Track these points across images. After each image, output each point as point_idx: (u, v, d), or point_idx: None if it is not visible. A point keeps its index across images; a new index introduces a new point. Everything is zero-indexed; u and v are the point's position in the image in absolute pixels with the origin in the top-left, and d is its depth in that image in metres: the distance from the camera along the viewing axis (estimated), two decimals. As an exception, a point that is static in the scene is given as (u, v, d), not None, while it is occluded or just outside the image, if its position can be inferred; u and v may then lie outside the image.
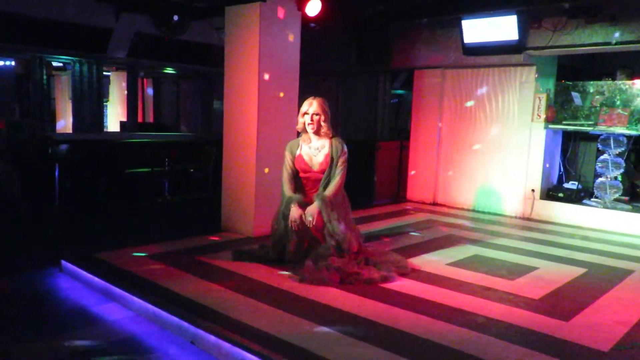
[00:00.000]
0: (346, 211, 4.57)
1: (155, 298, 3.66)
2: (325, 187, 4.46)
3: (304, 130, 4.58)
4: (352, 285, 4.06)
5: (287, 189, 4.56)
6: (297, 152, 4.60)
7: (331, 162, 4.48)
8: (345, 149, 4.52)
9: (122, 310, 3.74)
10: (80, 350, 3.12)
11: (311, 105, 4.51)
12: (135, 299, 3.72)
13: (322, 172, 4.50)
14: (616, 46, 6.40)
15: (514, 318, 3.54)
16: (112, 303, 3.86)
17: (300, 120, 4.58)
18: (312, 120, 4.48)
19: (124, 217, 7.06)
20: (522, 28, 6.78)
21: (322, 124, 4.49)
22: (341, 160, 4.48)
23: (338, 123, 9.62)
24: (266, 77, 5.47)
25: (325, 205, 4.32)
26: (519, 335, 3.26)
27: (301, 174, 4.60)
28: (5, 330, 3.41)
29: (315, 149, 4.55)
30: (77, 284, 4.27)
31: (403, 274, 4.37)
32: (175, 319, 3.38)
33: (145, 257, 4.68)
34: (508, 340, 3.17)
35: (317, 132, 4.52)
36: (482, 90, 7.70)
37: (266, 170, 5.54)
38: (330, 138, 4.55)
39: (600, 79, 7.19)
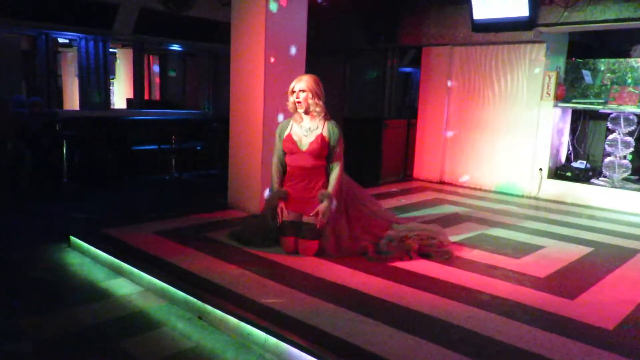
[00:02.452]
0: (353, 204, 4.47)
1: (163, 274, 3.70)
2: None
3: (295, 110, 4.27)
4: (358, 263, 4.07)
5: (275, 182, 4.37)
6: (287, 132, 4.30)
7: (328, 146, 4.20)
8: (341, 135, 4.27)
9: (131, 285, 3.79)
10: (90, 325, 3.17)
11: (299, 82, 4.17)
12: (143, 274, 3.76)
13: (312, 152, 4.17)
14: (629, 23, 6.27)
15: (519, 296, 3.55)
16: (121, 278, 3.91)
17: (290, 98, 4.24)
18: (298, 97, 4.17)
19: (131, 193, 7.10)
20: (533, 4, 6.67)
21: (310, 101, 4.15)
22: (339, 149, 4.22)
23: (345, 100, 9.57)
24: (272, 54, 5.42)
25: (331, 203, 4.14)
26: (523, 313, 3.27)
27: (287, 157, 4.31)
28: (14, 304, 3.47)
29: (306, 129, 4.24)
30: (85, 259, 4.32)
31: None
32: (182, 294, 3.42)
33: (153, 233, 4.71)
34: (513, 318, 3.19)
35: (307, 112, 4.22)
36: (491, 67, 7.61)
37: None
38: (325, 120, 4.24)
39: (612, 57, 7.07)
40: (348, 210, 4.42)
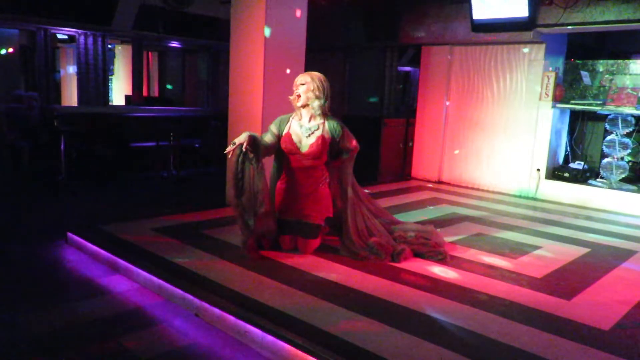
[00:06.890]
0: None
1: (160, 270, 3.70)
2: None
3: (295, 105, 4.17)
4: (356, 262, 4.08)
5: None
6: (285, 130, 4.15)
7: (331, 144, 4.12)
8: (345, 127, 4.18)
9: (128, 282, 3.79)
10: (88, 321, 3.17)
11: (302, 76, 4.12)
12: (140, 271, 3.76)
13: (312, 155, 4.07)
14: (629, 24, 6.28)
15: (516, 296, 3.56)
16: (118, 275, 3.91)
17: (295, 91, 4.15)
18: (297, 89, 4.09)
19: (129, 190, 7.09)
20: (533, 4, 6.67)
21: (309, 94, 4.03)
22: (347, 140, 4.16)
23: (344, 99, 9.57)
24: (272, 51, 5.41)
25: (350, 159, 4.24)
26: (520, 313, 3.28)
27: (285, 159, 4.20)
28: (11, 300, 3.46)
29: (306, 129, 4.11)
30: (82, 255, 4.32)
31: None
32: (180, 291, 3.42)
33: (151, 230, 4.71)
34: (510, 318, 3.20)
35: (305, 106, 4.11)
36: (490, 67, 7.62)
37: None
38: (325, 120, 4.13)
39: (611, 58, 7.08)
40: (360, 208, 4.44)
